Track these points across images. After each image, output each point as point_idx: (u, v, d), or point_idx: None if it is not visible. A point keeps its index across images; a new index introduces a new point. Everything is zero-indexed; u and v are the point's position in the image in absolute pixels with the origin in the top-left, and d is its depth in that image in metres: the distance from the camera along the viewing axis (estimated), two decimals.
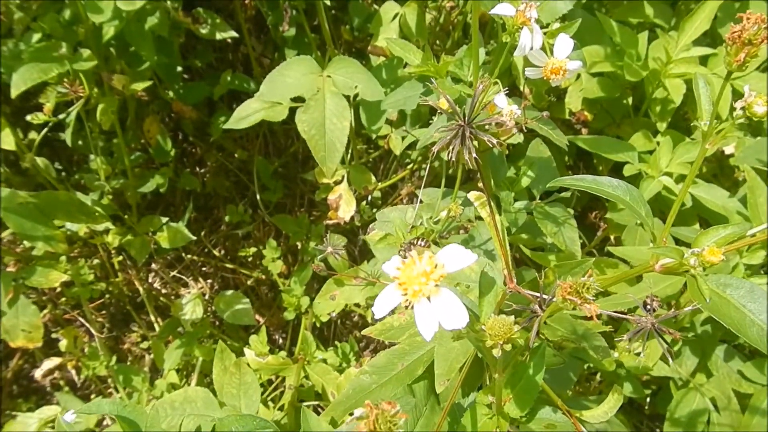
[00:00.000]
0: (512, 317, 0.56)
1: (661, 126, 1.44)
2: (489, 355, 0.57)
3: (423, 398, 0.77)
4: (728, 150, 1.44)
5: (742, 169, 1.29)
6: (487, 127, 0.57)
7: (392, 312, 0.68)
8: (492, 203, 0.67)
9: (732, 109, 0.70)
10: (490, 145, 0.50)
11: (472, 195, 0.75)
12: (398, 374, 0.84)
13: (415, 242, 0.52)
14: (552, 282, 0.69)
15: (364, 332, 0.93)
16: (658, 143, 1.40)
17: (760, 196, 1.16)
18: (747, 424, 1.24)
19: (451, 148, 0.51)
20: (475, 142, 0.55)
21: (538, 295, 0.60)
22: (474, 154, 0.51)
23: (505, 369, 0.64)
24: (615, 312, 0.62)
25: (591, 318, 0.55)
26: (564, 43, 0.91)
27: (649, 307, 0.58)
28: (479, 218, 1.21)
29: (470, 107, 0.51)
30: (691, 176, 0.70)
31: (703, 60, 1.40)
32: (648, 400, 1.58)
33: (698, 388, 1.30)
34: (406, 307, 0.52)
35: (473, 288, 0.75)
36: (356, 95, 1.39)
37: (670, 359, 0.56)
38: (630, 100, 1.52)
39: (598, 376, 1.51)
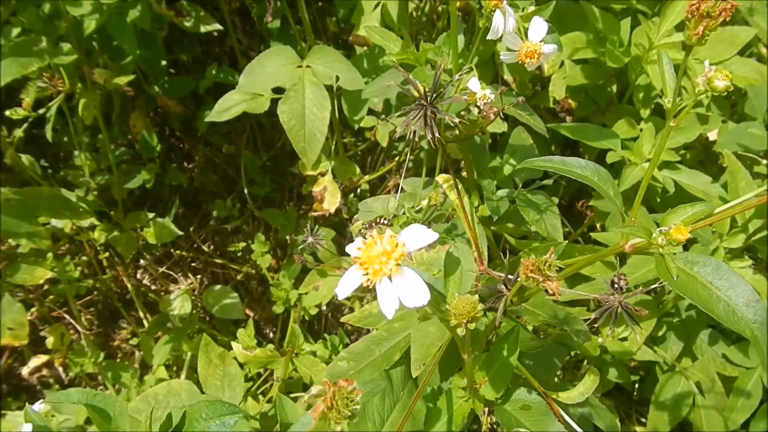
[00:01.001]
0: (476, 296, 0.55)
1: (644, 113, 1.44)
2: (458, 336, 0.57)
3: (400, 383, 0.77)
4: (712, 136, 1.45)
5: (723, 154, 1.30)
6: (463, 113, 0.57)
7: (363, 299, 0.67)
8: (460, 186, 0.67)
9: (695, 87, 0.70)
10: (452, 124, 0.50)
11: (441, 177, 0.75)
12: (375, 360, 0.84)
13: (377, 222, 0.52)
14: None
15: (343, 319, 0.93)
16: (641, 130, 1.40)
17: (741, 180, 1.16)
18: (732, 406, 1.24)
19: (412, 128, 0.51)
20: (455, 132, 0.55)
21: (502, 275, 0.60)
22: (437, 134, 0.51)
23: (474, 350, 0.64)
24: (575, 291, 0.62)
25: (583, 303, 0.55)
26: (538, 26, 0.91)
27: (616, 285, 0.58)
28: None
29: (432, 87, 0.51)
30: (657, 154, 0.70)
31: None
32: (636, 386, 1.59)
33: (683, 372, 1.30)
34: (368, 288, 0.52)
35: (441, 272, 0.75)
36: (339, 87, 1.38)
37: (637, 336, 0.56)
38: (614, 87, 1.52)
39: (584, 364, 1.52)
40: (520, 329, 0.68)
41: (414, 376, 0.74)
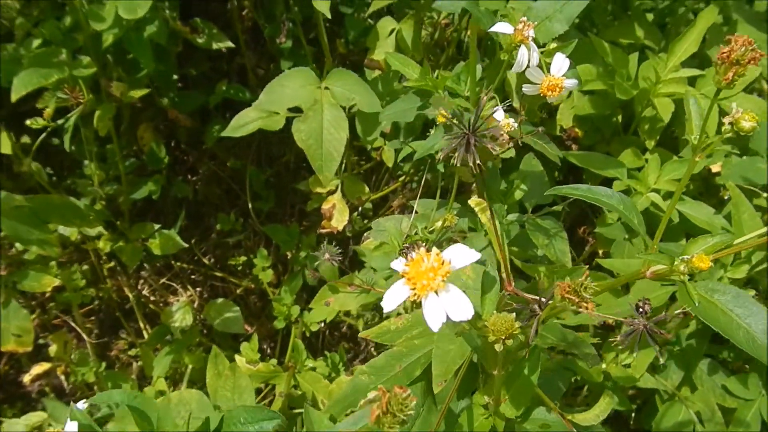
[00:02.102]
0: (513, 314, 0.58)
1: (650, 144, 1.47)
2: (489, 352, 0.59)
3: (420, 399, 0.79)
4: (715, 169, 1.48)
5: (727, 186, 1.33)
6: (486, 136, 0.60)
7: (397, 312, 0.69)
8: (492, 209, 0.69)
9: (720, 125, 0.73)
10: (493, 153, 0.53)
11: (473, 201, 0.78)
12: (396, 375, 0.85)
13: (417, 244, 0.54)
14: (547, 287, 0.71)
15: (361, 334, 0.94)
16: (646, 160, 1.44)
17: (744, 212, 1.19)
18: None
19: (456, 154, 0.54)
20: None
21: (535, 297, 0.62)
22: (478, 161, 0.53)
23: (503, 367, 0.66)
24: (605, 317, 0.64)
25: (587, 328, 0.57)
26: (561, 61, 0.95)
27: (641, 309, 0.61)
28: (472, 229, 1.24)
29: (475, 116, 0.54)
30: (680, 188, 0.74)
31: (692, 81, 1.45)
32: (633, 415, 1.60)
33: (683, 401, 1.32)
34: (414, 302, 0.54)
35: (470, 293, 0.77)
36: (351, 107, 1.41)
37: (661, 359, 0.58)
38: (620, 118, 1.56)
39: (585, 389, 1.54)
40: (540, 350, 0.70)
41: (435, 392, 0.76)
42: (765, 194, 1.44)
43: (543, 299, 0.61)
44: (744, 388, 1.33)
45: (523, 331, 0.58)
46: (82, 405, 0.80)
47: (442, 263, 0.55)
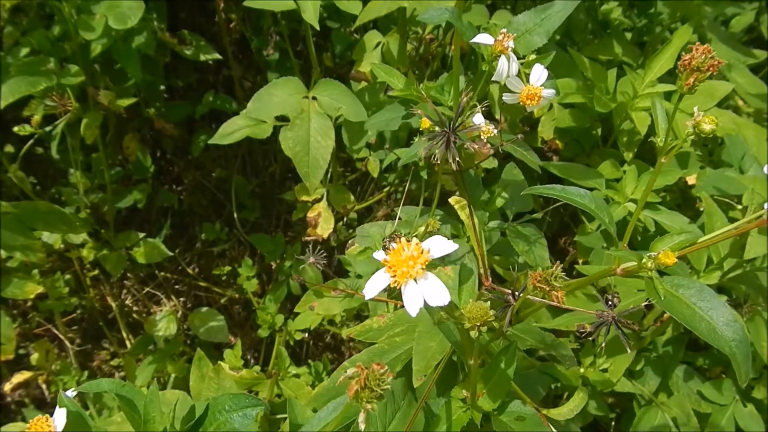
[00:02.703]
0: (488, 303, 0.60)
1: (628, 156, 1.51)
2: (466, 341, 0.61)
3: (401, 394, 0.80)
4: (691, 181, 1.53)
5: (700, 196, 1.37)
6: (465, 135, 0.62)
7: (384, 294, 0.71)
8: (471, 206, 0.72)
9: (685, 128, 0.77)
10: (473, 150, 0.55)
11: (453, 200, 0.80)
12: None
13: (398, 236, 0.57)
14: (522, 283, 0.73)
15: (344, 332, 0.97)
16: (624, 172, 1.48)
17: (717, 222, 1.23)
18: None
19: (437, 151, 0.56)
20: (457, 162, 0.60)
21: (509, 290, 0.64)
22: (458, 158, 0.56)
23: (479, 357, 0.68)
24: (574, 308, 0.67)
25: (566, 333, 0.59)
26: (539, 71, 0.98)
27: (610, 303, 0.63)
28: (455, 235, 1.26)
29: (456, 115, 0.56)
30: (648, 189, 0.77)
31: (667, 95, 1.49)
32: (612, 424, 1.63)
33: (660, 406, 1.35)
34: (394, 288, 0.57)
35: (451, 292, 0.80)
36: (337, 117, 1.44)
37: (627, 348, 0.61)
38: (599, 131, 1.61)
39: (564, 396, 1.56)
40: (516, 344, 0.73)
41: (415, 387, 0.78)
42: (740, 206, 1.48)
43: (516, 291, 0.63)
44: (719, 393, 1.36)
45: (498, 322, 0.61)
46: (71, 393, 0.80)
47: (422, 252, 0.57)
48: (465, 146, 0.57)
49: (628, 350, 0.63)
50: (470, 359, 0.67)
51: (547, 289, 0.58)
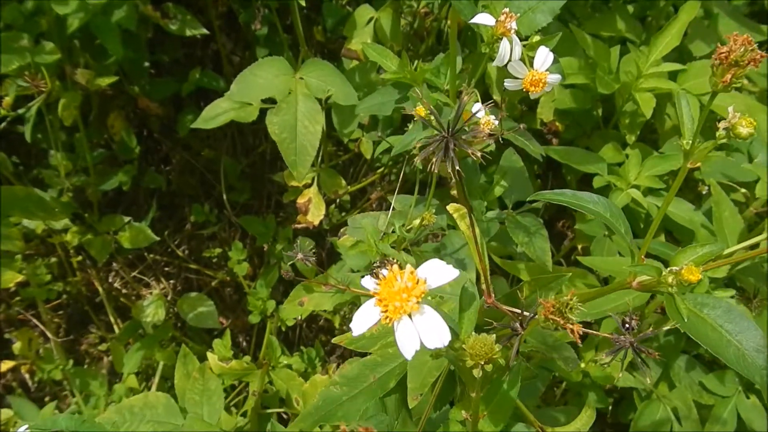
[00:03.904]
0: (493, 336, 0.55)
1: (630, 138, 1.45)
2: (467, 373, 0.56)
3: (394, 411, 0.76)
4: (693, 164, 1.47)
5: (708, 183, 1.32)
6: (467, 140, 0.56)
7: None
8: (472, 216, 0.66)
9: (710, 128, 0.71)
10: (474, 158, 0.49)
11: (451, 207, 0.74)
12: (370, 386, 0.82)
13: (388, 261, 0.50)
14: (530, 296, 0.68)
15: (333, 341, 0.91)
16: (627, 155, 1.42)
17: (725, 210, 1.18)
18: None
19: (434, 159, 0.50)
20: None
21: (515, 310, 0.59)
22: (457, 167, 0.50)
23: (483, 387, 0.63)
24: (587, 329, 0.62)
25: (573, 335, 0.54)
26: (545, 55, 0.91)
27: (627, 325, 0.58)
28: (451, 227, 1.21)
29: (455, 118, 0.50)
30: (672, 192, 0.71)
31: (672, 75, 1.43)
32: (610, 408, 1.60)
33: (661, 399, 1.31)
34: (386, 324, 0.51)
35: (447, 300, 0.75)
36: (327, 98, 1.37)
37: (647, 378, 0.56)
38: (600, 112, 1.54)
39: (563, 385, 1.52)
40: (522, 364, 0.68)
41: (410, 407, 0.73)
42: (743, 189, 1.43)
43: (525, 313, 0.58)
44: (721, 385, 1.33)
45: (503, 352, 0.55)
46: (23, 430, 0.75)
47: (417, 282, 0.51)
48: (470, 153, 0.51)
49: (648, 380, 0.58)
50: (472, 391, 0.62)
51: (561, 321, 0.52)
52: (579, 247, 1.58)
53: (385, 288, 0.51)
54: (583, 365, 1.25)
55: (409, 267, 0.51)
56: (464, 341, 0.56)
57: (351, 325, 0.53)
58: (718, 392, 1.32)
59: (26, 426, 0.76)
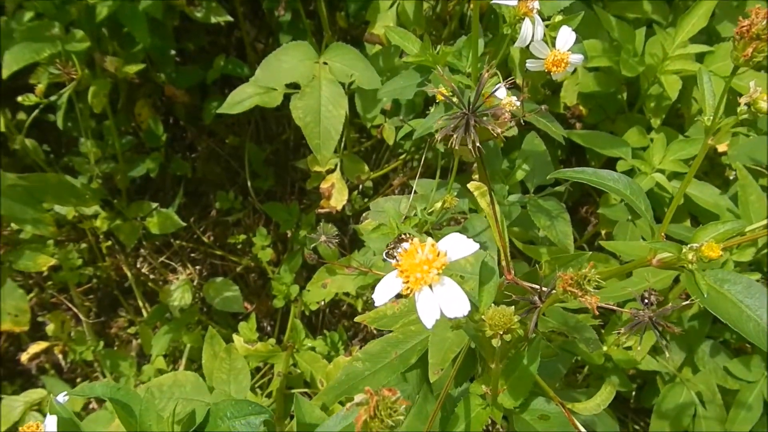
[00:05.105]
0: (512, 308, 0.56)
1: (655, 122, 1.44)
2: (486, 345, 0.57)
3: (416, 387, 0.77)
4: (721, 148, 1.45)
5: (734, 167, 1.30)
6: (487, 116, 0.57)
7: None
8: (492, 194, 0.67)
9: (730, 105, 0.70)
10: (494, 135, 0.50)
11: (472, 185, 0.75)
12: (391, 362, 0.84)
13: (409, 236, 0.51)
14: (549, 275, 0.69)
15: (356, 319, 0.93)
16: (651, 140, 1.41)
17: (752, 194, 1.16)
18: (734, 419, 1.25)
19: (455, 136, 0.51)
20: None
21: (535, 286, 0.60)
22: (478, 143, 0.51)
23: (501, 359, 0.64)
24: (608, 305, 0.62)
25: (589, 310, 0.55)
26: (567, 35, 0.91)
27: (647, 300, 0.58)
28: (473, 210, 1.21)
29: (475, 95, 0.51)
30: (692, 172, 0.71)
31: (699, 57, 1.41)
32: (633, 394, 1.60)
33: (685, 383, 1.31)
34: (407, 296, 0.52)
35: (467, 279, 0.75)
36: (350, 83, 1.38)
37: (666, 353, 0.56)
38: (625, 95, 1.53)
39: (585, 369, 1.52)
40: (540, 340, 0.69)
41: (432, 381, 0.75)
42: None
43: (544, 288, 0.58)
44: (746, 370, 1.32)
45: (522, 324, 0.56)
46: (62, 398, 0.78)
47: (438, 255, 0.52)
48: (490, 129, 0.52)
49: (667, 354, 0.59)
50: (491, 362, 0.63)
51: (580, 293, 0.53)
52: (603, 232, 1.57)
53: (407, 260, 0.53)
54: (605, 348, 1.25)
55: (430, 240, 0.52)
56: (483, 313, 0.57)
57: (373, 296, 0.54)
58: (744, 377, 1.31)
59: (65, 393, 0.78)
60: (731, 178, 1.52)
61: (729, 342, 1.43)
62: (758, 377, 1.30)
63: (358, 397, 0.48)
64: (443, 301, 0.51)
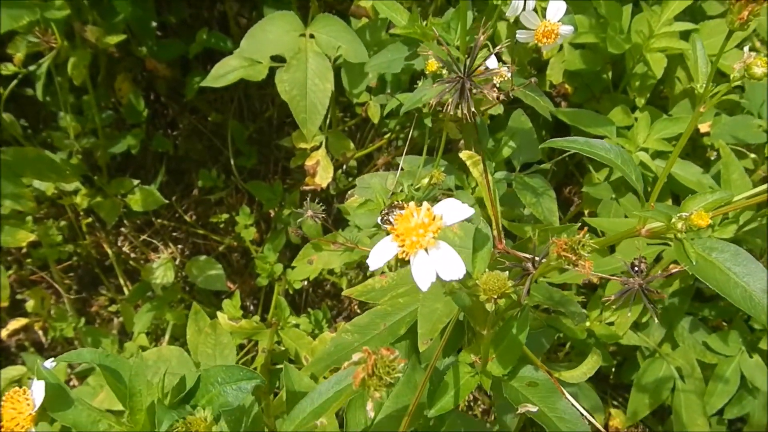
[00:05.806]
0: (506, 273, 0.56)
1: (640, 101, 1.45)
2: (478, 312, 0.57)
3: (404, 357, 0.77)
4: (703, 128, 1.47)
5: (717, 146, 1.32)
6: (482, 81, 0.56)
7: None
8: (485, 162, 0.67)
9: (715, 77, 0.70)
10: (491, 99, 0.50)
11: (464, 154, 0.75)
12: (380, 333, 0.84)
13: (398, 205, 0.51)
14: (539, 245, 0.69)
15: (344, 293, 0.92)
16: (635, 119, 1.42)
17: (734, 173, 1.18)
18: (712, 391, 1.28)
19: (450, 100, 0.50)
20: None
21: (527, 256, 0.60)
22: (473, 108, 0.50)
23: (492, 326, 0.64)
24: (599, 275, 0.63)
25: (572, 287, 0.55)
26: (557, 5, 0.91)
27: (636, 268, 0.59)
28: (459, 187, 1.21)
29: (471, 59, 0.50)
30: (679, 147, 0.72)
31: (684, 35, 1.41)
32: (613, 370, 1.62)
33: (664, 357, 1.33)
34: (402, 259, 0.52)
35: (459, 251, 0.75)
36: (336, 58, 1.36)
37: (655, 319, 0.57)
38: (610, 75, 1.53)
39: (566, 347, 1.54)
40: (529, 309, 0.69)
41: (421, 351, 0.75)
42: (753, 155, 1.43)
43: (536, 257, 0.59)
44: (725, 344, 1.35)
45: (515, 291, 0.56)
46: (50, 363, 0.76)
47: (433, 219, 0.52)
48: (478, 93, 0.51)
49: (656, 320, 0.59)
50: (483, 329, 0.63)
51: (574, 258, 0.53)
52: (586, 212, 1.59)
53: (403, 224, 0.52)
54: (588, 324, 1.26)
55: (425, 204, 0.52)
56: (477, 278, 0.57)
57: (368, 261, 0.54)
58: (722, 352, 1.34)
59: (52, 359, 0.77)
60: (712, 158, 1.54)
61: (708, 319, 1.46)
62: (735, 352, 1.33)
63: (356, 356, 0.48)
64: (439, 264, 0.51)
